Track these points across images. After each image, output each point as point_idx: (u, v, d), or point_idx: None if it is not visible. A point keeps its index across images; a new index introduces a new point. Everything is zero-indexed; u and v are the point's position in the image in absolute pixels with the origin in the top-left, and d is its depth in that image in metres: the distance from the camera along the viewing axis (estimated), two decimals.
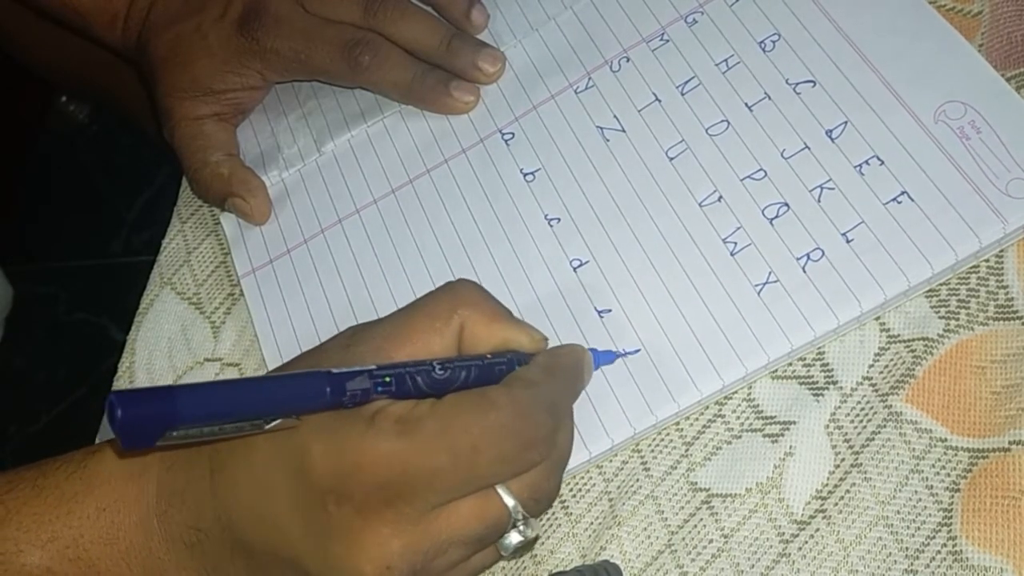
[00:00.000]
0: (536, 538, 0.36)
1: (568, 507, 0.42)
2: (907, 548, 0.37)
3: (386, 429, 0.34)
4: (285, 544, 0.35)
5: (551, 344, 0.41)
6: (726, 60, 0.46)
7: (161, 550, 0.37)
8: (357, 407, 0.34)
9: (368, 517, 0.33)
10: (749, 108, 0.45)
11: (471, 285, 0.39)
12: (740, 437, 0.41)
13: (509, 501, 0.35)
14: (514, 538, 0.36)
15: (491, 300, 0.39)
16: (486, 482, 0.35)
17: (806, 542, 0.38)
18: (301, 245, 0.51)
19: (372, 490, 0.33)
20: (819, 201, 0.42)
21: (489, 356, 0.37)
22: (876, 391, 0.40)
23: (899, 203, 0.41)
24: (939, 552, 0.36)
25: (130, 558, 0.37)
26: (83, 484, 0.38)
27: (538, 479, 0.36)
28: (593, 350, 0.41)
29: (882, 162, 0.42)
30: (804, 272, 0.41)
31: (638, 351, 0.42)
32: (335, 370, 0.34)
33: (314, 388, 0.33)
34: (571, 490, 0.42)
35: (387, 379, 0.34)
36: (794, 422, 0.40)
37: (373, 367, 0.35)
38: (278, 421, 0.33)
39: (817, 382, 0.41)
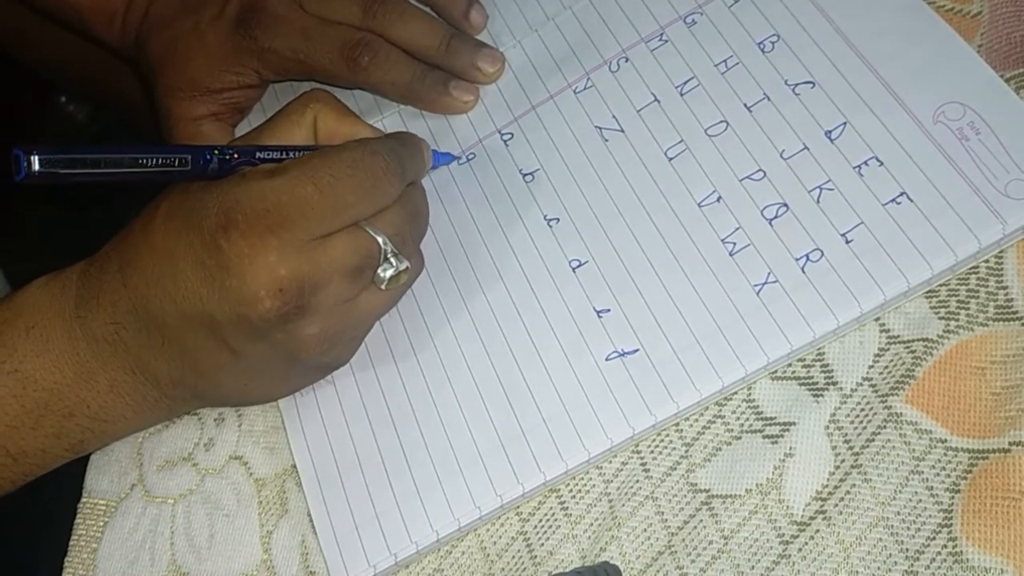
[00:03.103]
0: (408, 270, 0.42)
1: (567, 508, 0.42)
2: (907, 549, 0.37)
3: (258, 175, 0.40)
4: (190, 300, 0.39)
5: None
6: (725, 61, 0.46)
7: (87, 353, 0.42)
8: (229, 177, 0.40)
9: (255, 244, 0.38)
10: (748, 109, 0.45)
11: (323, 90, 0.45)
12: (740, 438, 0.41)
13: (376, 235, 0.41)
14: (388, 270, 0.42)
15: (341, 102, 0.45)
16: (350, 213, 0.40)
17: (806, 543, 0.38)
18: None
19: (253, 218, 0.38)
20: (818, 202, 0.42)
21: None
22: (876, 392, 0.39)
23: (898, 204, 0.41)
24: (939, 553, 0.36)
25: (61, 364, 0.42)
26: (12, 312, 0.43)
27: (397, 219, 0.42)
28: (433, 150, 0.48)
29: (881, 163, 0.42)
30: (803, 273, 0.41)
31: (637, 351, 0.42)
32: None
33: (179, 150, 0.40)
34: (571, 491, 0.42)
35: (235, 154, 0.41)
36: (794, 423, 0.40)
37: (225, 145, 0.42)
38: (155, 161, 0.39)
39: (817, 383, 0.40)
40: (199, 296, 0.39)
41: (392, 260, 0.42)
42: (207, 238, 0.39)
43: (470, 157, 0.50)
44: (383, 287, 0.42)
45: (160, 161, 0.38)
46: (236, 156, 0.41)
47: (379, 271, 0.42)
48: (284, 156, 0.42)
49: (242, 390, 0.44)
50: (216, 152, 0.40)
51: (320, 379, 0.46)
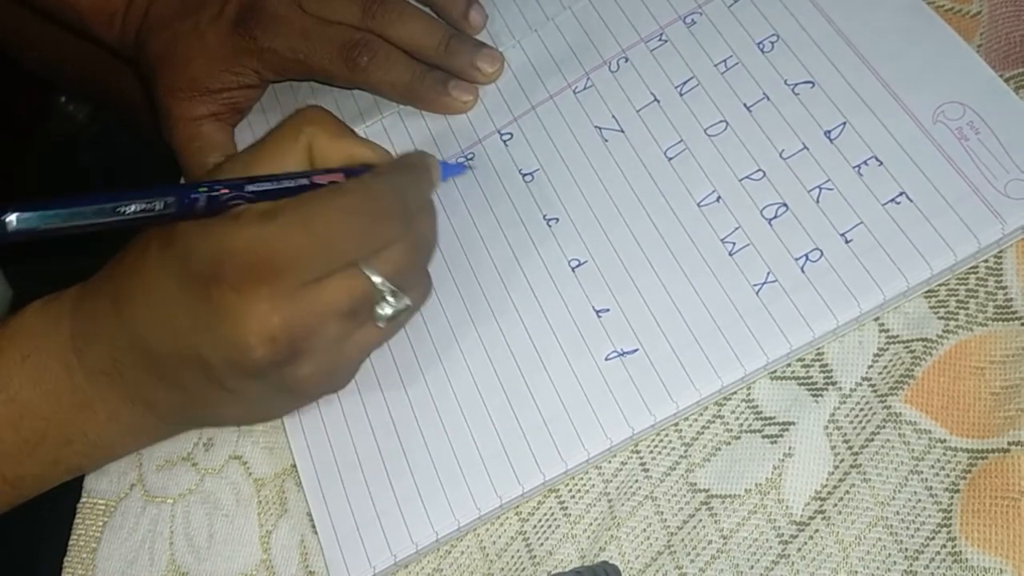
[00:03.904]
0: (408, 307, 0.41)
1: (567, 508, 0.42)
2: (906, 549, 0.37)
3: (250, 219, 0.38)
4: (184, 342, 0.39)
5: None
6: (725, 61, 0.46)
7: (84, 384, 0.41)
8: (219, 215, 0.38)
9: (246, 295, 0.37)
10: (748, 109, 0.45)
11: (317, 108, 0.42)
12: (739, 438, 0.41)
13: (373, 276, 0.39)
14: (386, 308, 0.40)
15: (337, 120, 0.42)
16: (345, 258, 0.38)
17: (805, 543, 0.38)
18: None
19: (244, 270, 0.37)
20: (818, 201, 0.42)
21: (335, 168, 0.41)
22: (875, 392, 0.40)
23: (898, 204, 0.41)
24: (938, 553, 0.36)
25: (57, 394, 0.41)
26: (6, 340, 0.42)
27: (398, 256, 0.40)
28: (442, 162, 0.46)
29: (881, 163, 0.42)
30: (803, 272, 0.41)
31: (636, 351, 0.42)
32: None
33: (163, 192, 0.37)
34: (570, 491, 0.42)
35: (224, 190, 0.39)
36: (793, 423, 0.40)
37: (213, 180, 0.39)
38: (137, 207, 0.36)
39: (816, 383, 0.41)
40: (192, 341, 0.39)
41: (390, 299, 0.40)
42: (200, 288, 0.38)
43: (469, 157, 0.50)
44: (381, 325, 0.41)
45: (143, 207, 0.37)
46: (225, 191, 0.38)
47: (377, 309, 0.40)
48: (276, 185, 0.40)
49: (241, 417, 0.44)
50: (203, 189, 0.38)
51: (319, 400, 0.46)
